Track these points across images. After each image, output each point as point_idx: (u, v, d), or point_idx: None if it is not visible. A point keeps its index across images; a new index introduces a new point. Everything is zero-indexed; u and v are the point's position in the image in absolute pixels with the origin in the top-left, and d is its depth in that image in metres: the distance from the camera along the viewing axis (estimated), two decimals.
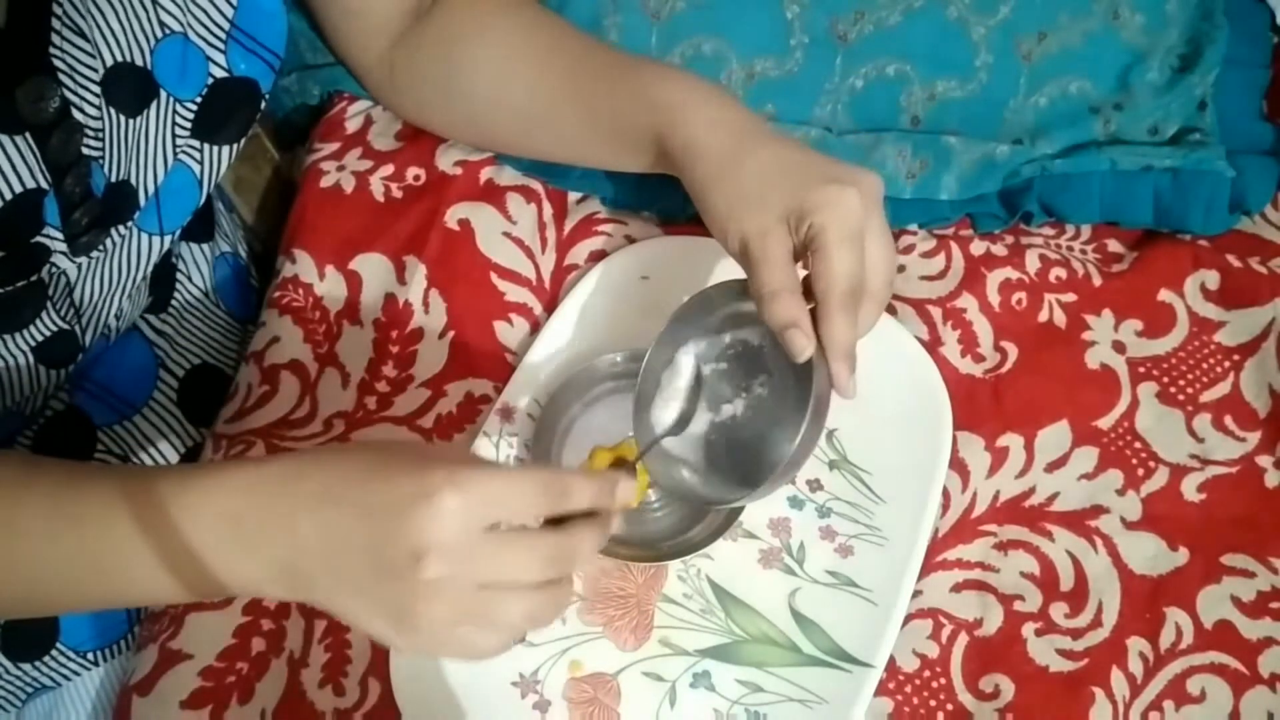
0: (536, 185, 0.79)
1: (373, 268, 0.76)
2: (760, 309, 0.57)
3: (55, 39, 0.53)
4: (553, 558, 0.49)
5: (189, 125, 0.62)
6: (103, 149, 0.57)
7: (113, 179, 0.59)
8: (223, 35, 0.62)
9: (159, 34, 0.58)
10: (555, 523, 0.51)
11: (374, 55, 0.77)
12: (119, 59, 0.56)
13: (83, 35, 0.54)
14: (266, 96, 0.66)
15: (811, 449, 0.58)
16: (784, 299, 0.56)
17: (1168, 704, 0.67)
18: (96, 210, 0.58)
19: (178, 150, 0.63)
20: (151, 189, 0.62)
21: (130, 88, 0.58)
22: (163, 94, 0.60)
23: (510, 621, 0.49)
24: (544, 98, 0.71)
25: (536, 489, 0.49)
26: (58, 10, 0.53)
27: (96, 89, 0.55)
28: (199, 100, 0.62)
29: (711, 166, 0.60)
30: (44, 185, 0.54)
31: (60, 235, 0.57)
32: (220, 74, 0.62)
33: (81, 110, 0.55)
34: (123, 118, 0.58)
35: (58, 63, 0.53)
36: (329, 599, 0.50)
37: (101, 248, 0.61)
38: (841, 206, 0.56)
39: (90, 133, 0.56)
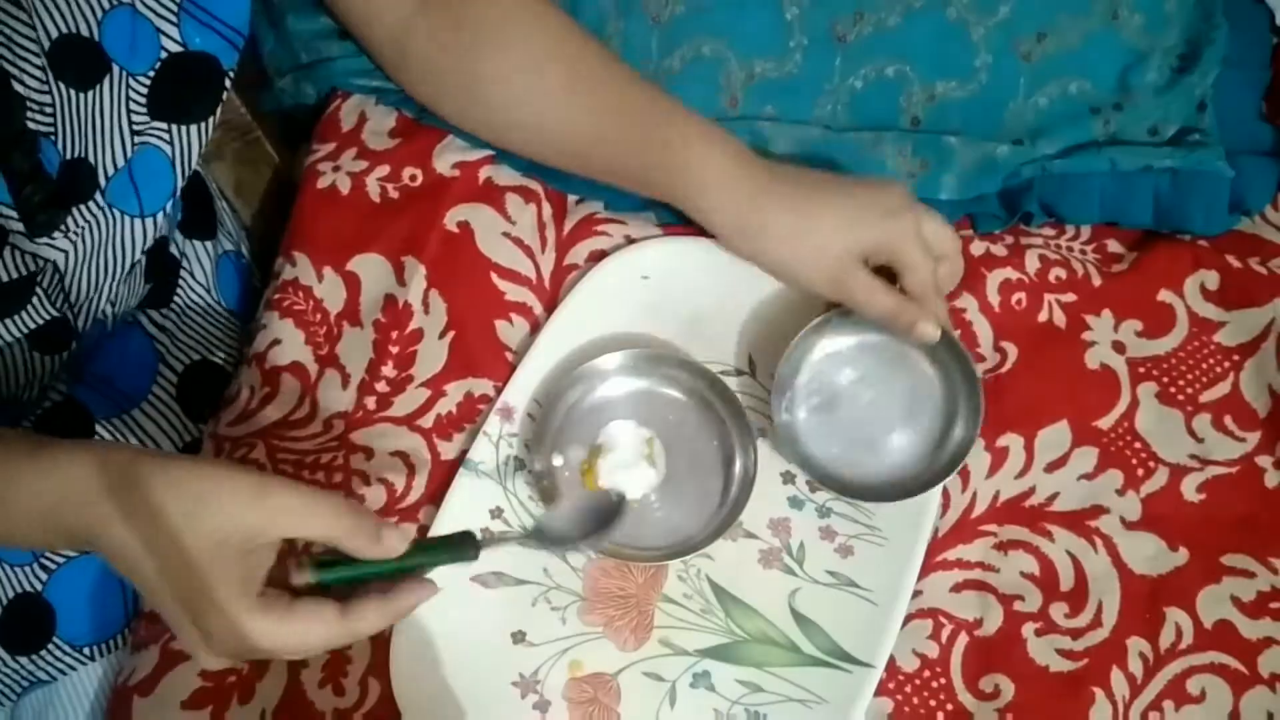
0: (536, 185, 0.79)
1: (371, 268, 0.76)
2: (892, 330, 0.70)
3: None
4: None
5: (144, 101, 0.61)
6: (53, 124, 0.56)
7: (67, 156, 0.58)
8: (173, 7, 0.61)
9: (106, 4, 0.57)
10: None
11: (382, 32, 0.75)
12: (64, 30, 0.55)
13: (17, 4, 0.53)
14: (230, 73, 0.65)
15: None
16: (904, 310, 0.68)
17: (1168, 704, 0.67)
18: (51, 187, 0.58)
19: (136, 128, 0.62)
20: (111, 168, 0.61)
21: (79, 61, 0.57)
22: (115, 68, 0.59)
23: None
24: (567, 134, 0.73)
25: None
26: None
27: (39, 60, 0.55)
28: (152, 75, 0.61)
29: (736, 242, 0.72)
30: None
31: (13, 214, 0.56)
32: (174, 48, 0.61)
33: (21, 82, 0.54)
34: (73, 92, 0.57)
35: None
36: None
37: (63, 227, 0.60)
38: (906, 234, 0.68)
39: (35, 106, 0.55)
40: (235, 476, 0.51)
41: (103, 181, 0.61)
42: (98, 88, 0.58)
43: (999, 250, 0.80)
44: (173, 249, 0.77)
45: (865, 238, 0.69)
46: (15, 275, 0.59)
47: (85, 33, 0.57)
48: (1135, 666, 0.68)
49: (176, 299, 0.78)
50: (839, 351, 0.73)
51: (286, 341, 0.74)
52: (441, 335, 0.75)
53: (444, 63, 0.74)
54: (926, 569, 0.70)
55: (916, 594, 0.69)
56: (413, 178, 0.79)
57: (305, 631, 0.52)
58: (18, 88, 0.54)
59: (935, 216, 0.70)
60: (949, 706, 0.67)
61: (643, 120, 0.71)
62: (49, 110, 0.56)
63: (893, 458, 0.71)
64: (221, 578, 0.50)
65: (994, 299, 0.78)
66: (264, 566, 0.52)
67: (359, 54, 0.80)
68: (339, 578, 0.54)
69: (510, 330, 0.76)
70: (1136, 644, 0.68)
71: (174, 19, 0.61)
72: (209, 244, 0.81)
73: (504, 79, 0.72)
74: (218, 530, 0.50)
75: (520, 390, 0.73)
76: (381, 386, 0.73)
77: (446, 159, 0.79)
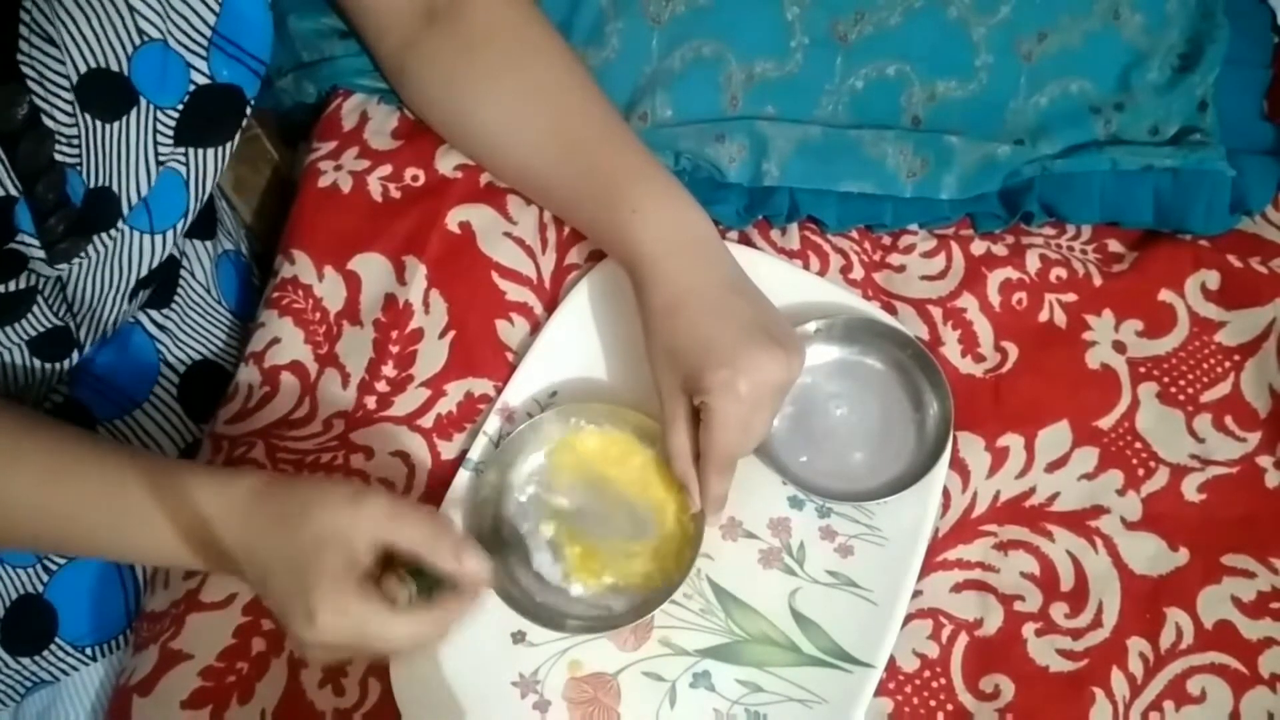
0: None
1: (372, 268, 0.76)
2: (666, 457, 0.66)
3: (23, 45, 0.53)
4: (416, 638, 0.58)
5: (171, 132, 0.62)
6: (79, 155, 0.57)
7: (92, 185, 0.59)
8: (204, 42, 0.61)
9: (137, 40, 0.58)
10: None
11: (384, 49, 0.77)
12: (93, 65, 0.56)
13: (51, 41, 0.54)
14: (252, 102, 0.65)
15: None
16: (678, 463, 0.65)
17: (1168, 704, 0.67)
18: (74, 217, 0.58)
19: (161, 157, 0.62)
20: (135, 197, 0.62)
21: (106, 94, 0.57)
22: (142, 101, 0.59)
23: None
24: (535, 176, 0.75)
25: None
26: (25, 17, 0.53)
27: (69, 95, 0.55)
28: (180, 107, 0.62)
29: (646, 320, 0.66)
30: (13, 192, 0.54)
31: (36, 242, 0.57)
32: (202, 81, 0.62)
33: (52, 117, 0.55)
34: (99, 124, 0.58)
35: (26, 69, 0.53)
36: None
37: (83, 254, 0.61)
38: (729, 396, 0.61)
39: (63, 139, 0.56)
40: (335, 486, 0.57)
41: (125, 210, 0.62)
42: (124, 119, 0.59)
43: (999, 250, 0.80)
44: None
45: (697, 369, 0.62)
46: (16, 286, 0.59)
47: (115, 68, 0.57)
48: (1135, 667, 0.67)
49: (177, 299, 0.78)
50: (817, 365, 0.73)
51: (286, 340, 0.74)
52: (442, 335, 0.75)
53: (435, 89, 0.75)
54: (927, 569, 0.69)
55: (917, 594, 0.69)
56: (415, 178, 0.79)
57: (392, 615, 0.55)
58: (48, 122, 0.55)
59: (772, 415, 0.65)
60: (949, 707, 0.67)
61: (605, 184, 0.70)
62: (75, 142, 0.57)
63: (884, 458, 0.71)
64: (324, 569, 0.54)
65: (994, 299, 0.78)
66: (361, 565, 0.56)
67: (360, 53, 0.80)
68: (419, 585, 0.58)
69: (510, 330, 0.76)
70: (1137, 644, 0.68)
71: (204, 53, 0.62)
72: (209, 243, 0.81)
73: (484, 119, 0.74)
74: (320, 531, 0.55)
75: (520, 390, 0.73)
76: (382, 386, 0.73)
77: (449, 160, 0.79)
